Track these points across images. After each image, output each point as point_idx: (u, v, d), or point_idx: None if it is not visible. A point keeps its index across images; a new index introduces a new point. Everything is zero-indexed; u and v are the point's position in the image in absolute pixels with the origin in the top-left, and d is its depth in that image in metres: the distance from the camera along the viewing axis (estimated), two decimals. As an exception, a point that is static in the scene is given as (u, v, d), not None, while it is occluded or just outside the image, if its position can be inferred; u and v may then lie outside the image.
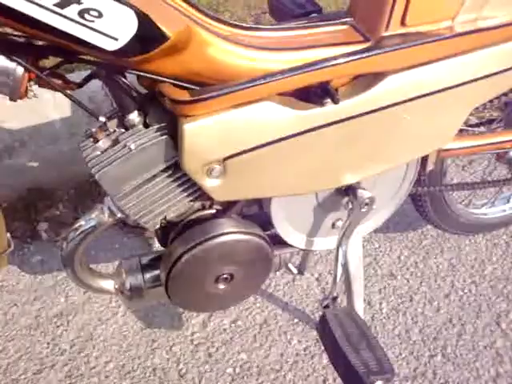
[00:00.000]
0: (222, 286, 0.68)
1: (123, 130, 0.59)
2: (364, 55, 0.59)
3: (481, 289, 1.07)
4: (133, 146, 0.56)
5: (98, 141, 0.59)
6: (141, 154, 0.57)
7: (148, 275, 0.73)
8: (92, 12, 0.44)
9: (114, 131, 0.59)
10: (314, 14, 0.72)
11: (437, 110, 0.68)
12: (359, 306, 0.80)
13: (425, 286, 1.08)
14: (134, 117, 0.58)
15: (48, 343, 0.97)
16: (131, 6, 0.45)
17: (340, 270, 0.75)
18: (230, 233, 0.63)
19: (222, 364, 0.93)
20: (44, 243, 1.20)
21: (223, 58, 0.55)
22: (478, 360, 0.93)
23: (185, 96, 0.54)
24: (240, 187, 0.62)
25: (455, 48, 0.65)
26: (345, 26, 0.65)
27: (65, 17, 0.44)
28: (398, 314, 1.02)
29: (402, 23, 0.63)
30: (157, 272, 0.72)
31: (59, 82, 0.56)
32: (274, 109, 0.58)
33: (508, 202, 1.09)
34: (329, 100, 0.60)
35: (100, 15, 0.45)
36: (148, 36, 0.48)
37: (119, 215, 0.65)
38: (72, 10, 0.44)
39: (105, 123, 0.59)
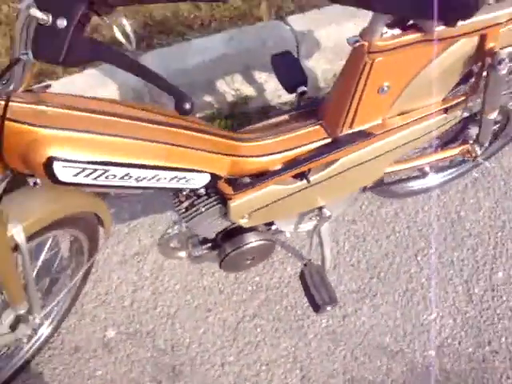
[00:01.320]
0: (248, 262, 1.26)
1: (195, 197, 1.09)
2: (329, 154, 1.06)
3: (411, 232, 1.64)
4: (203, 210, 1.08)
5: (182, 202, 1.09)
6: (208, 213, 1.08)
7: (205, 248, 1.29)
8: (189, 179, 0.92)
9: (190, 197, 1.09)
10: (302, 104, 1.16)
11: (372, 167, 1.16)
12: (327, 263, 1.38)
13: (375, 229, 1.65)
14: (202, 190, 1.08)
15: (135, 272, 1.57)
16: (208, 172, 0.93)
17: (314, 244, 1.32)
18: (256, 240, 1.18)
19: (245, 284, 1.55)
20: (112, 198, 1.73)
21: (247, 167, 1.03)
22: (398, 280, 1.54)
23: (229, 191, 1.03)
24: (257, 220, 1.14)
25: (384, 136, 1.11)
26: (317, 126, 1.10)
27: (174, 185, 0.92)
28: (355, 250, 1.61)
29: (351, 126, 1.08)
30: (209, 245, 1.28)
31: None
32: (276, 187, 1.07)
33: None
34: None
35: (192, 178, 0.92)
36: (213, 180, 0.96)
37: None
38: (181, 183, 0.91)
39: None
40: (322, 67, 1.89)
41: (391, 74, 1.00)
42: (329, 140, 1.09)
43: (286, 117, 1.14)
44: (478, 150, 1.32)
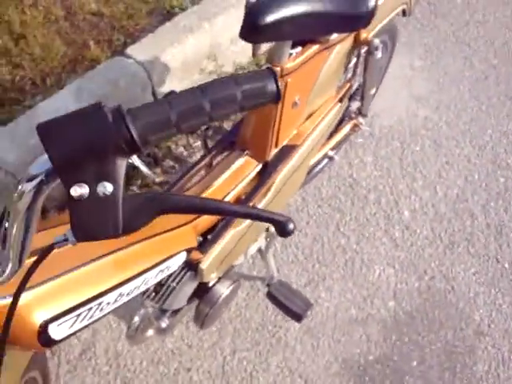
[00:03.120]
0: (224, 309, 1.22)
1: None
2: (268, 180, 1.08)
3: (324, 209, 1.76)
4: (175, 285, 1.00)
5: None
6: (181, 286, 1.01)
7: (169, 315, 1.21)
8: (170, 266, 0.85)
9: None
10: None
11: (301, 171, 1.21)
12: (274, 272, 1.40)
13: (296, 218, 1.73)
14: None
15: (91, 372, 1.41)
16: (183, 250, 0.87)
17: (271, 262, 1.34)
18: (227, 288, 1.14)
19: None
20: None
21: (203, 225, 0.99)
22: (335, 257, 1.66)
23: (198, 255, 0.98)
24: (223, 269, 1.11)
25: (304, 143, 1.16)
26: (245, 157, 1.10)
27: None
28: (287, 248, 1.67)
29: (276, 146, 1.11)
30: (170, 311, 1.21)
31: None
32: (236, 230, 1.05)
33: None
34: None
35: (173, 264, 0.86)
36: (188, 255, 0.90)
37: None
38: (165, 273, 0.84)
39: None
40: (177, 88, 1.86)
41: (300, 88, 1.04)
42: (260, 166, 1.10)
43: (206, 161, 1.11)
44: (363, 121, 1.46)
